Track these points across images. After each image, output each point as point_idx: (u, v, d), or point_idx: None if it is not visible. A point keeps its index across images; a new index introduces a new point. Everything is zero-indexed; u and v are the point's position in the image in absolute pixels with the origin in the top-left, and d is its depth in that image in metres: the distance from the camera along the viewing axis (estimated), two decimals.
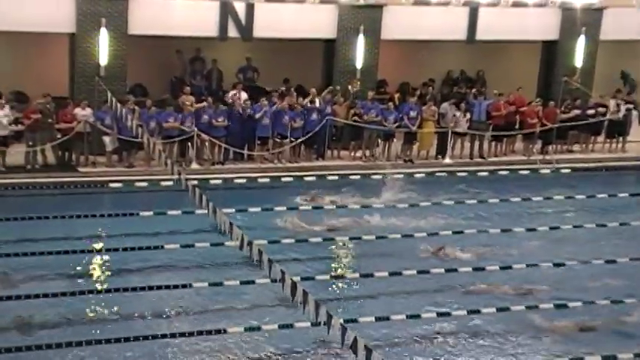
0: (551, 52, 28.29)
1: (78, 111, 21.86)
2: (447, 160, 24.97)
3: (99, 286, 15.87)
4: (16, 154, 21.53)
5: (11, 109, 21.95)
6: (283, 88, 25.00)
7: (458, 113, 25.07)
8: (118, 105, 20.99)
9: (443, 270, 16.96)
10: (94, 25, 22.59)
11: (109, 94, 21.38)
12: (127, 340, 13.48)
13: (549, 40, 28.14)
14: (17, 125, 21.74)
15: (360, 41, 25.33)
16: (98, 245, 17.37)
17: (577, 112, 26.43)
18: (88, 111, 21.93)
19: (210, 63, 26.29)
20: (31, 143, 21.48)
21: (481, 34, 26.80)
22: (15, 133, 21.79)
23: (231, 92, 24.40)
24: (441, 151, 25.17)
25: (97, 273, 16.49)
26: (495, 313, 15.26)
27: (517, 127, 26.01)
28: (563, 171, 25.06)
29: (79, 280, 15.95)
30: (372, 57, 25.71)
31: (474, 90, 26.92)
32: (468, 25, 26.67)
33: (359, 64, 25.50)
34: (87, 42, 22.74)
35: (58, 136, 21.75)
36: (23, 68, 23.85)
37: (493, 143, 25.88)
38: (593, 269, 17.42)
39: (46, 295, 14.69)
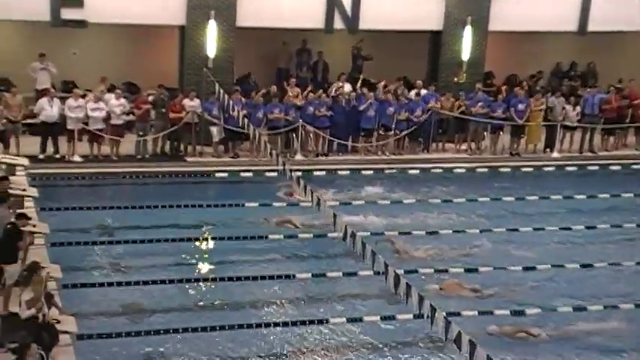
0: None
1: (186, 102, 22.28)
2: (555, 154, 24.42)
3: (204, 275, 16.16)
4: (127, 143, 22.09)
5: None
6: None
7: (567, 106, 24.47)
8: (225, 96, 21.35)
9: (549, 266, 16.64)
10: (203, 17, 22.97)
11: (217, 86, 21.74)
12: (230, 327, 13.70)
13: None
14: (128, 115, 22.29)
15: (467, 33, 24.99)
16: (203, 234, 17.67)
17: None
18: (196, 102, 22.32)
19: (316, 55, 26.40)
20: (141, 133, 22.01)
21: (594, 25, 26.02)
22: (127, 122, 22.35)
23: (335, 84, 24.43)
24: (550, 144, 24.62)
25: (201, 261, 16.79)
26: (602, 311, 14.89)
27: (628, 120, 25.20)
28: None
29: (185, 268, 16.27)
30: (479, 49, 25.34)
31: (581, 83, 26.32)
32: (580, 15, 25.96)
33: (465, 55, 25.17)
34: (196, 34, 23.15)
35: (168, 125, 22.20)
36: (134, 60, 24.44)
37: (604, 137, 25.18)
38: None
39: (154, 282, 15.08)
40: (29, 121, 21.72)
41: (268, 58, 26.17)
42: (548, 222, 19.02)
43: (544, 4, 25.67)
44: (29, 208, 16.09)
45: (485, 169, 23.11)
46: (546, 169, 23.58)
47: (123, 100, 21.92)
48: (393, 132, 23.51)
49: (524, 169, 23.32)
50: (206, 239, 17.41)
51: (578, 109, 24.52)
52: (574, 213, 19.91)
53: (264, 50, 25.82)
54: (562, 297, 15.55)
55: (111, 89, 22.44)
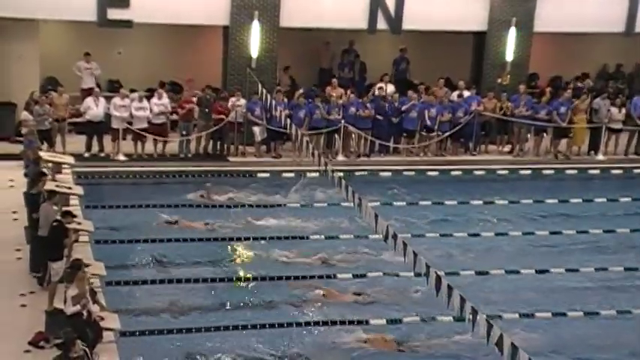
0: None
1: (233, 100, 22.39)
2: (600, 157, 24.15)
3: (242, 274, 16.23)
4: (171, 142, 22.25)
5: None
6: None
7: (613, 108, 24.17)
8: (268, 96, 21.43)
9: (592, 269, 16.47)
10: (247, 17, 23.11)
11: (260, 86, 21.84)
12: (271, 326, 13.73)
13: None
14: (172, 115, 22.46)
15: (512, 34, 24.81)
16: (241, 234, 17.71)
17: None
18: (242, 101, 22.43)
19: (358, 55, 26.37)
20: (184, 132, 22.17)
21: None
22: (170, 122, 22.53)
23: (378, 85, 24.39)
24: (594, 147, 24.34)
25: (240, 261, 16.88)
26: None
27: None
28: None
29: (228, 267, 16.38)
30: (524, 50, 25.15)
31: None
32: (628, 16, 25.61)
33: (509, 57, 24.99)
34: (240, 34, 23.28)
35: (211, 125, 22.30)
36: (178, 59, 24.61)
37: None
38: None
39: (196, 280, 15.20)
40: (75, 120, 22.05)
41: (310, 59, 26.21)
42: (590, 224, 18.83)
43: (590, 5, 25.36)
44: (74, 205, 16.34)
45: (529, 171, 22.93)
46: (591, 171, 23.32)
47: (165, 100, 22.08)
48: (435, 133, 23.42)
49: (568, 172, 23.11)
50: (248, 238, 17.47)
51: (624, 110, 24.22)
52: (618, 217, 19.69)
53: (306, 51, 25.88)
54: (606, 302, 15.40)
55: (158, 88, 22.62)
